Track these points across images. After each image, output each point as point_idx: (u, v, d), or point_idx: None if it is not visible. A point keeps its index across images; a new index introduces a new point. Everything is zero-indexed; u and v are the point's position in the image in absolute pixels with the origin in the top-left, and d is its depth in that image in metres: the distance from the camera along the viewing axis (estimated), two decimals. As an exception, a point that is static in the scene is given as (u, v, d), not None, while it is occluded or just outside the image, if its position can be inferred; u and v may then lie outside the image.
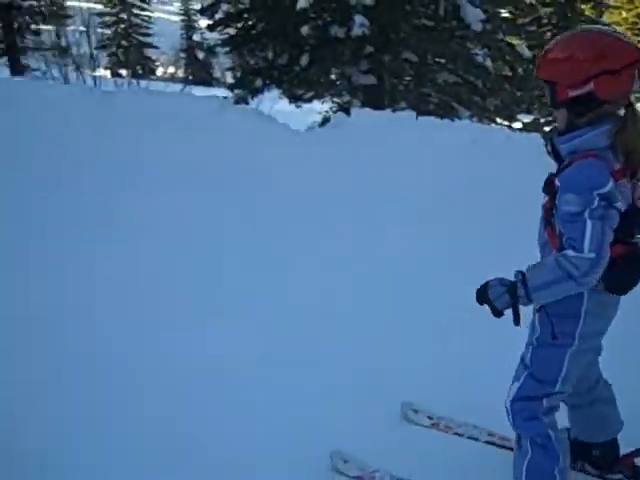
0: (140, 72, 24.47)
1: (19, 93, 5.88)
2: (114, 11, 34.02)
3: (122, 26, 33.89)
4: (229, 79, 26.74)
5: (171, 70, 31.10)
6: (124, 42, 33.24)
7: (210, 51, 11.68)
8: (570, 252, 1.95)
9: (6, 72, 15.18)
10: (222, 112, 6.20)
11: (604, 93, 1.96)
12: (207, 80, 27.79)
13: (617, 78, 1.94)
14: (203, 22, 31.00)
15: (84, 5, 18.02)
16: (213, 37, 12.24)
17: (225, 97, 8.40)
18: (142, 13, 35.12)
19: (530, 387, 2.18)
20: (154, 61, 33.56)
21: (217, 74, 31.33)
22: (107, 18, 33.33)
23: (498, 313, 2.12)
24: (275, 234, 4.39)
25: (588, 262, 1.93)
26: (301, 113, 12.13)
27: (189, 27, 35.74)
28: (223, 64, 27.17)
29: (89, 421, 2.83)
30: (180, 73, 31.07)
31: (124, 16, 34.18)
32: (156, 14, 38.68)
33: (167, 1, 45.58)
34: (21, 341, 3.23)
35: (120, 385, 3.03)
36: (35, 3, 18.13)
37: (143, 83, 12.11)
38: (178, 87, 13.17)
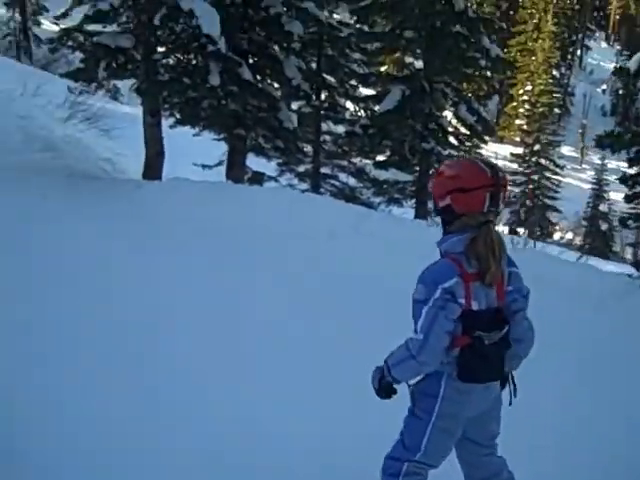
0: (538, 233, 24.94)
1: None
2: (527, 171, 35.74)
3: (531, 187, 35.27)
4: (629, 255, 25.64)
5: (569, 236, 30.93)
6: (528, 202, 34.45)
7: (621, 223, 11.35)
8: (412, 334, 2.36)
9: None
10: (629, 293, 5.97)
11: (458, 207, 2.37)
12: (604, 252, 26.89)
13: (469, 195, 2.32)
14: (614, 194, 30.62)
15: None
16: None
17: (629, 275, 8.00)
18: (554, 177, 36.16)
19: (398, 450, 2.53)
20: (554, 224, 33.84)
21: (616, 248, 30.09)
22: (517, 177, 35.10)
23: (378, 393, 2.53)
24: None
25: (418, 343, 2.32)
26: None
27: (598, 196, 35.41)
28: (626, 238, 26.20)
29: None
30: (577, 241, 30.65)
31: (535, 177, 35.61)
32: (567, 179, 39.38)
33: (580, 168, 46.04)
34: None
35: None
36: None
37: (539, 244, 12.33)
38: (573, 254, 13.08)
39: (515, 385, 2.52)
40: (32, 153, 10.67)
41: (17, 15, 32.95)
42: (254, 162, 13.15)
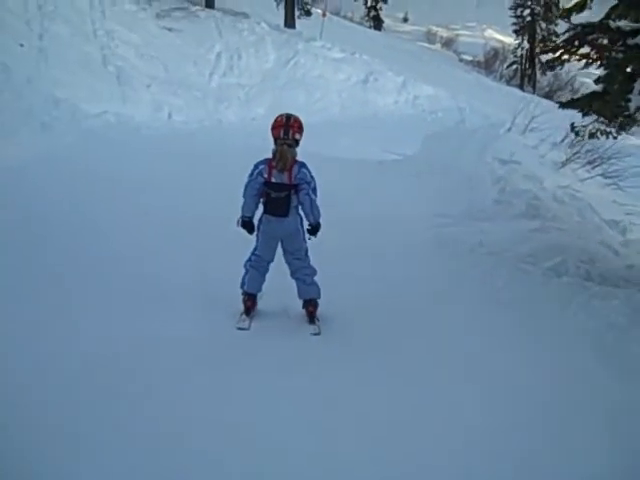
0: None
1: None
2: None
3: None
4: None
5: None
6: None
7: None
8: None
9: None
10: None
11: (272, 135, 4.66)
12: None
13: (274, 130, 4.63)
14: None
15: None
16: None
17: None
18: None
19: (252, 251, 4.89)
20: None
21: None
22: None
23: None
24: None
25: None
26: None
27: None
28: None
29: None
30: None
31: None
32: None
33: None
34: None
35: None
36: None
37: None
38: None
39: (310, 226, 4.72)
40: (508, 220, 7.29)
41: (525, 42, 31.02)
42: None
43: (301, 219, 4.74)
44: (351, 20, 36.21)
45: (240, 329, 4.70)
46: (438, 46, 36.92)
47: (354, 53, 19.98)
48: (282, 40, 18.58)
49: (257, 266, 4.83)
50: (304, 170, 4.57)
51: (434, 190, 8.42)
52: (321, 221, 4.69)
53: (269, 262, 4.85)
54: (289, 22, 22.06)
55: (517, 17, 31.65)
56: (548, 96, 31.97)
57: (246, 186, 4.62)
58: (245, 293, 4.89)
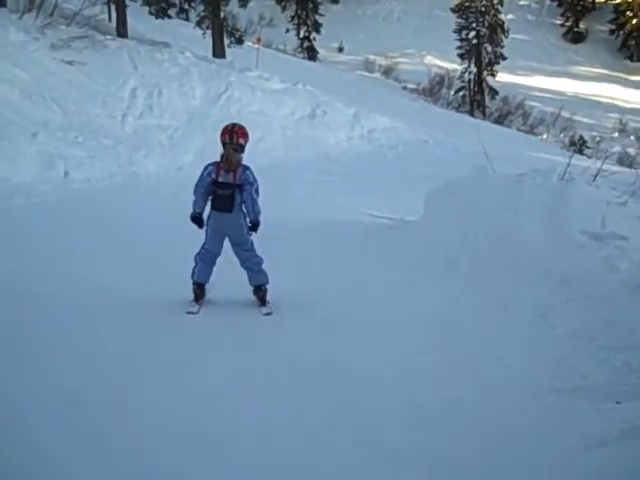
0: None
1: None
2: None
3: None
4: None
5: None
6: None
7: None
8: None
9: None
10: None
11: (221, 140, 5.20)
12: None
13: (221, 136, 5.15)
14: None
15: None
16: None
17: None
18: None
19: (202, 245, 5.31)
20: None
21: None
22: None
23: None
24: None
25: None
26: None
27: None
28: None
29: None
30: None
31: None
32: None
33: None
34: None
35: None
36: None
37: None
38: None
39: (251, 222, 5.19)
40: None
41: (473, 66, 29.06)
42: None
43: (244, 215, 5.21)
44: (284, 52, 33.87)
45: (189, 313, 5.19)
46: (378, 75, 34.89)
47: (296, 83, 17.24)
48: (211, 71, 15.67)
49: (205, 258, 5.31)
50: (248, 172, 5.15)
51: (497, 322, 5.04)
52: (260, 219, 5.18)
53: (216, 255, 5.33)
54: (218, 52, 19.22)
55: (462, 40, 29.79)
56: (498, 121, 30.15)
57: (196, 185, 5.20)
58: (195, 283, 5.33)
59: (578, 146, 25.43)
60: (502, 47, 30.90)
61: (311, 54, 36.63)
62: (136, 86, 13.66)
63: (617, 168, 21.16)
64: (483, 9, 29.82)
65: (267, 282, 5.35)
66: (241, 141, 5.12)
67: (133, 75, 13.93)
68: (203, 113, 13.94)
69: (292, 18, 36.33)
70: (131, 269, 6.00)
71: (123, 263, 6.18)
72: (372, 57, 36.69)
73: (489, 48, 30.35)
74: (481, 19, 29.75)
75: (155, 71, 14.51)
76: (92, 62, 13.43)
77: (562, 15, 39.83)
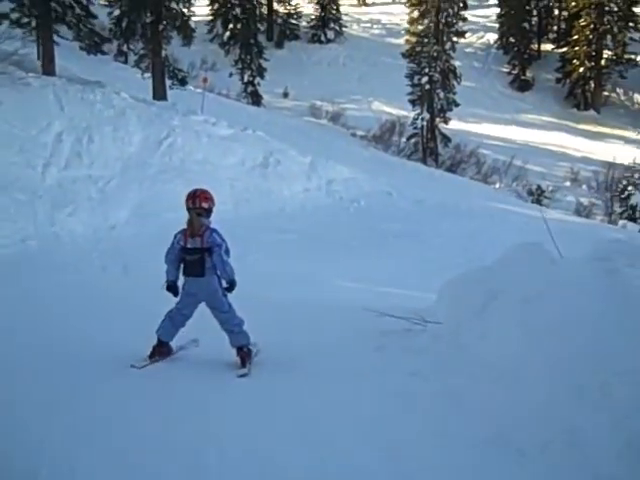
0: None
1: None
2: None
3: None
4: None
5: None
6: None
7: None
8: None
9: None
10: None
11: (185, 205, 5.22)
12: None
13: (186, 202, 5.12)
14: None
15: None
16: None
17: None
18: None
19: (176, 303, 5.24)
20: None
21: None
22: None
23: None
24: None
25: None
26: None
27: None
28: None
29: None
30: None
31: None
32: None
33: None
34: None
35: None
36: None
37: None
38: None
39: (227, 283, 5.16)
40: None
41: (425, 112, 28.15)
42: None
43: (219, 279, 5.18)
44: (227, 96, 32.42)
45: (132, 366, 5.04)
46: (325, 121, 33.76)
47: (245, 129, 15.65)
48: (151, 114, 13.92)
49: (174, 318, 5.24)
50: (214, 235, 5.10)
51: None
52: (235, 278, 5.15)
53: (187, 317, 5.28)
54: (159, 93, 17.49)
55: (413, 86, 28.94)
56: (451, 170, 29.25)
57: (167, 254, 5.18)
58: (158, 339, 5.27)
59: (536, 196, 24.60)
60: (454, 93, 30.17)
61: (255, 99, 35.26)
62: (62, 130, 11.81)
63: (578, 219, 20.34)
64: (435, 54, 29.07)
65: (248, 343, 5.25)
66: (204, 205, 5.17)
67: (59, 117, 12.06)
68: (141, 162, 12.15)
69: (236, 62, 34.94)
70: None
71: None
72: (319, 103, 35.61)
73: (441, 94, 29.55)
74: (433, 64, 28.97)
75: (86, 113, 12.68)
76: (8, 102, 11.51)
77: (508, 63, 39.74)
